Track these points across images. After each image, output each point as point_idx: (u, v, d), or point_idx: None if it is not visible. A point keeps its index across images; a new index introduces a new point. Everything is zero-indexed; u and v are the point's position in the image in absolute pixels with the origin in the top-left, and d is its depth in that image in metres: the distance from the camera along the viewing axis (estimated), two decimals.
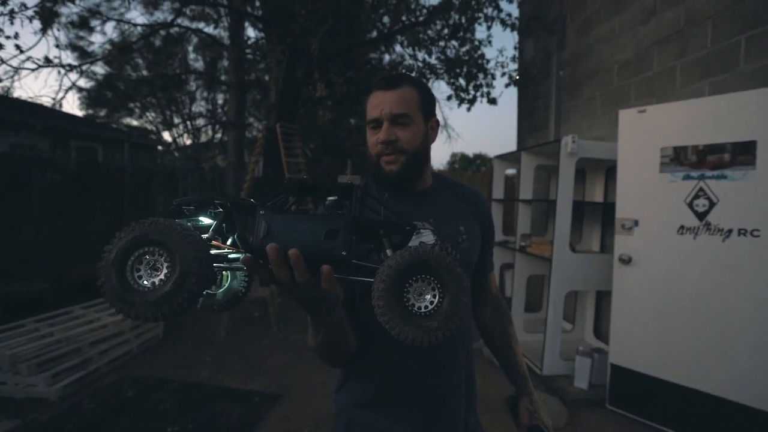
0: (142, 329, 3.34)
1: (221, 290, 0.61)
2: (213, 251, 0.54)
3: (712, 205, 2.13)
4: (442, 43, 5.54)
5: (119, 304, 0.46)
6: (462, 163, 30.55)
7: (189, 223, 0.57)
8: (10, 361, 2.50)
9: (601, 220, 3.41)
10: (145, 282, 0.47)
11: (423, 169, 0.85)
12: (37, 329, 2.95)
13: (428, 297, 0.52)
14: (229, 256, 0.56)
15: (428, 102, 0.84)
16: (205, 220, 0.59)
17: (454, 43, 5.51)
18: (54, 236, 4.64)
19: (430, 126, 0.85)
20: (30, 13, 4.13)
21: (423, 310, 0.52)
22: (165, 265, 0.48)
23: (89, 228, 5.06)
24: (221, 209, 0.56)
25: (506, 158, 3.91)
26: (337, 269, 0.53)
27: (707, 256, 2.14)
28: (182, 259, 0.46)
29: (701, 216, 2.17)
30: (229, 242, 0.58)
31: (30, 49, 4.71)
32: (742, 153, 2.02)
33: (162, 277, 0.47)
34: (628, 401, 2.45)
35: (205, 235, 0.54)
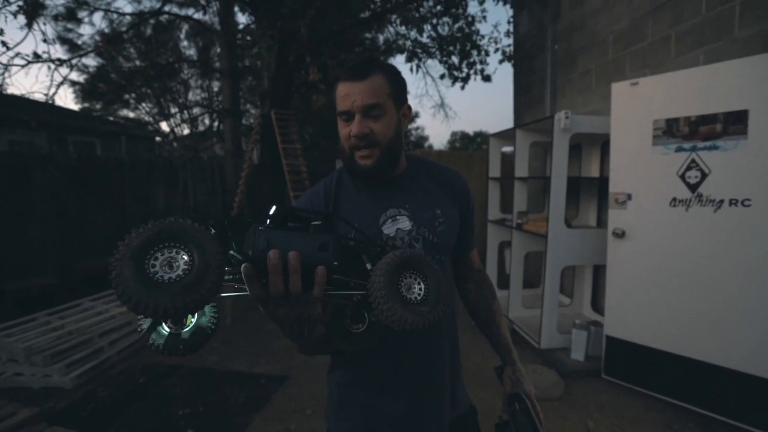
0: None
1: (187, 329, 0.59)
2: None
3: (704, 176, 2.13)
4: (434, 20, 5.42)
5: (137, 298, 0.45)
6: (463, 141, 30.26)
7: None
8: (25, 353, 2.60)
9: (597, 195, 3.42)
10: (165, 277, 0.47)
11: (398, 158, 0.85)
12: (49, 322, 3.04)
13: (416, 289, 0.62)
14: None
15: (399, 88, 0.82)
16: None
17: (447, 19, 5.38)
18: (59, 232, 4.71)
19: (402, 113, 0.84)
20: (13, 8, 4.06)
21: (414, 299, 0.61)
22: (183, 260, 0.48)
23: (93, 222, 5.13)
24: (216, 229, 0.57)
25: (502, 136, 3.89)
26: (329, 275, 0.58)
27: (699, 227, 2.16)
28: (203, 253, 0.48)
29: (693, 188, 2.17)
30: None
31: (17, 45, 4.67)
32: (735, 123, 2.01)
33: (180, 272, 0.47)
34: (622, 371, 2.52)
35: None
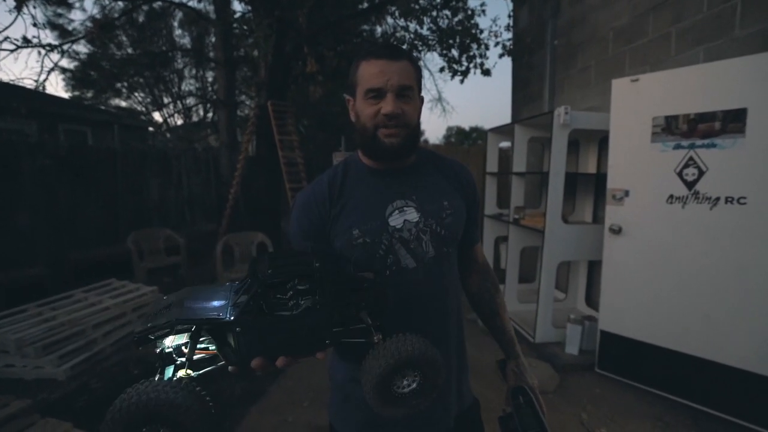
0: (144, 311, 3.40)
1: None
2: (195, 374, 0.54)
3: (701, 173, 2.15)
4: (434, 13, 5.38)
5: None
6: (458, 136, 30.25)
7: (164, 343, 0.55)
8: (16, 345, 2.56)
9: (593, 191, 3.44)
10: None
11: (417, 145, 0.85)
12: (40, 313, 3.00)
13: (409, 381, 0.58)
14: (208, 366, 0.56)
15: (420, 78, 0.84)
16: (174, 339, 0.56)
17: (447, 12, 5.34)
18: (49, 222, 4.64)
19: (421, 102, 0.85)
20: None
21: (407, 390, 0.58)
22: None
23: (84, 212, 5.06)
24: (188, 329, 0.54)
25: (500, 131, 3.88)
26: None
27: (695, 224, 2.18)
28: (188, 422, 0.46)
29: (690, 185, 2.19)
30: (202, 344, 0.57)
31: (6, 28, 4.54)
32: (733, 121, 2.02)
33: None
34: (615, 365, 2.56)
35: (186, 342, 0.54)
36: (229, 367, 0.54)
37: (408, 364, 0.57)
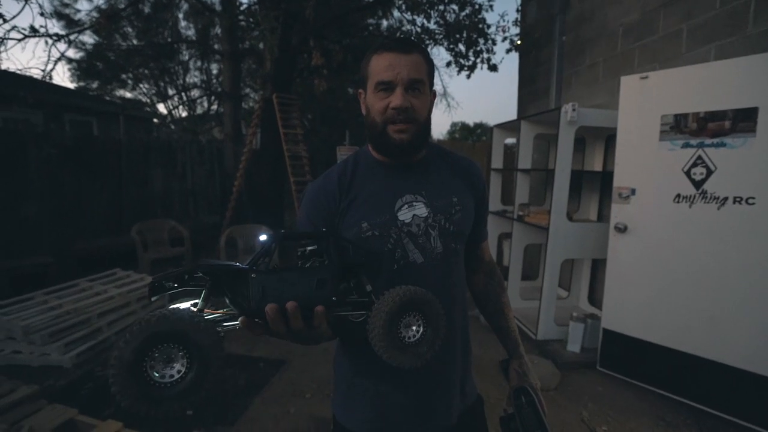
0: (148, 300, 3.43)
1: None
2: (209, 317, 0.56)
3: (709, 173, 2.13)
4: (441, 7, 5.33)
5: (144, 406, 0.45)
6: (463, 132, 30.10)
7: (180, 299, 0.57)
8: (23, 332, 2.59)
9: (599, 189, 3.42)
10: (166, 376, 0.47)
11: (427, 140, 0.84)
12: (46, 302, 3.03)
13: (414, 328, 0.62)
14: (224, 322, 0.58)
15: (432, 72, 0.83)
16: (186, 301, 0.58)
17: (454, 6, 5.29)
18: (54, 211, 4.67)
19: (432, 97, 0.84)
20: None
21: (412, 339, 0.61)
22: (181, 357, 0.48)
23: (89, 202, 5.09)
24: (210, 276, 0.56)
25: (506, 127, 3.86)
26: (328, 310, 0.60)
27: (701, 224, 2.17)
28: (200, 350, 0.47)
29: (698, 184, 2.17)
30: (214, 304, 0.59)
31: (14, 18, 4.54)
32: (743, 120, 2.00)
33: (181, 369, 0.47)
34: (617, 363, 2.56)
35: (195, 301, 0.55)
36: (239, 320, 0.54)
37: (410, 303, 0.60)
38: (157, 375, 0.46)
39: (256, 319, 0.57)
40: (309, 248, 0.62)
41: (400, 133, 0.78)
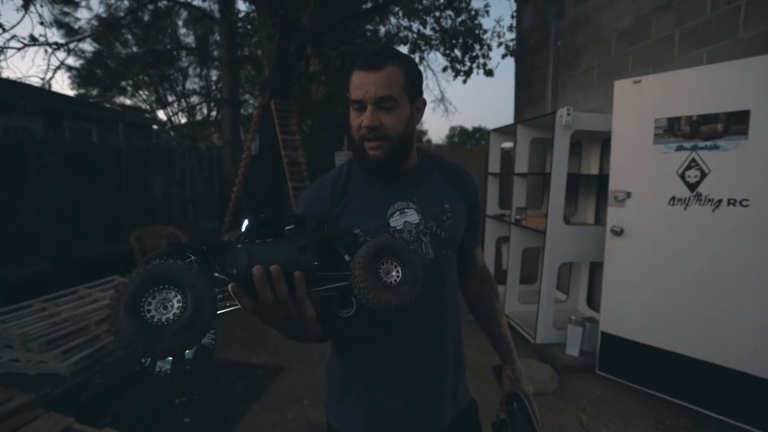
0: None
1: (190, 351, 0.62)
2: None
3: (703, 175, 2.14)
4: (437, 13, 5.38)
5: (142, 345, 0.46)
6: (461, 137, 30.18)
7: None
8: (20, 339, 2.59)
9: (596, 193, 3.43)
10: (162, 318, 0.48)
11: (408, 152, 0.84)
12: (44, 309, 3.03)
13: (394, 273, 0.66)
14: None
15: (414, 81, 0.80)
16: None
17: (450, 12, 5.34)
18: (53, 218, 4.67)
19: (416, 107, 0.82)
20: None
21: (395, 281, 0.65)
22: (176, 299, 0.50)
23: (88, 209, 5.09)
24: (196, 255, 0.59)
25: (503, 131, 3.88)
26: (310, 284, 0.62)
27: (696, 226, 2.18)
28: (193, 290, 0.50)
29: (692, 187, 2.19)
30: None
31: (13, 27, 4.59)
32: (736, 123, 2.02)
33: (176, 310, 0.49)
34: (616, 366, 2.55)
35: None
36: (230, 286, 0.56)
37: (384, 249, 0.65)
38: (153, 316, 0.49)
39: (245, 290, 0.59)
40: (288, 228, 0.66)
41: (374, 150, 0.78)
